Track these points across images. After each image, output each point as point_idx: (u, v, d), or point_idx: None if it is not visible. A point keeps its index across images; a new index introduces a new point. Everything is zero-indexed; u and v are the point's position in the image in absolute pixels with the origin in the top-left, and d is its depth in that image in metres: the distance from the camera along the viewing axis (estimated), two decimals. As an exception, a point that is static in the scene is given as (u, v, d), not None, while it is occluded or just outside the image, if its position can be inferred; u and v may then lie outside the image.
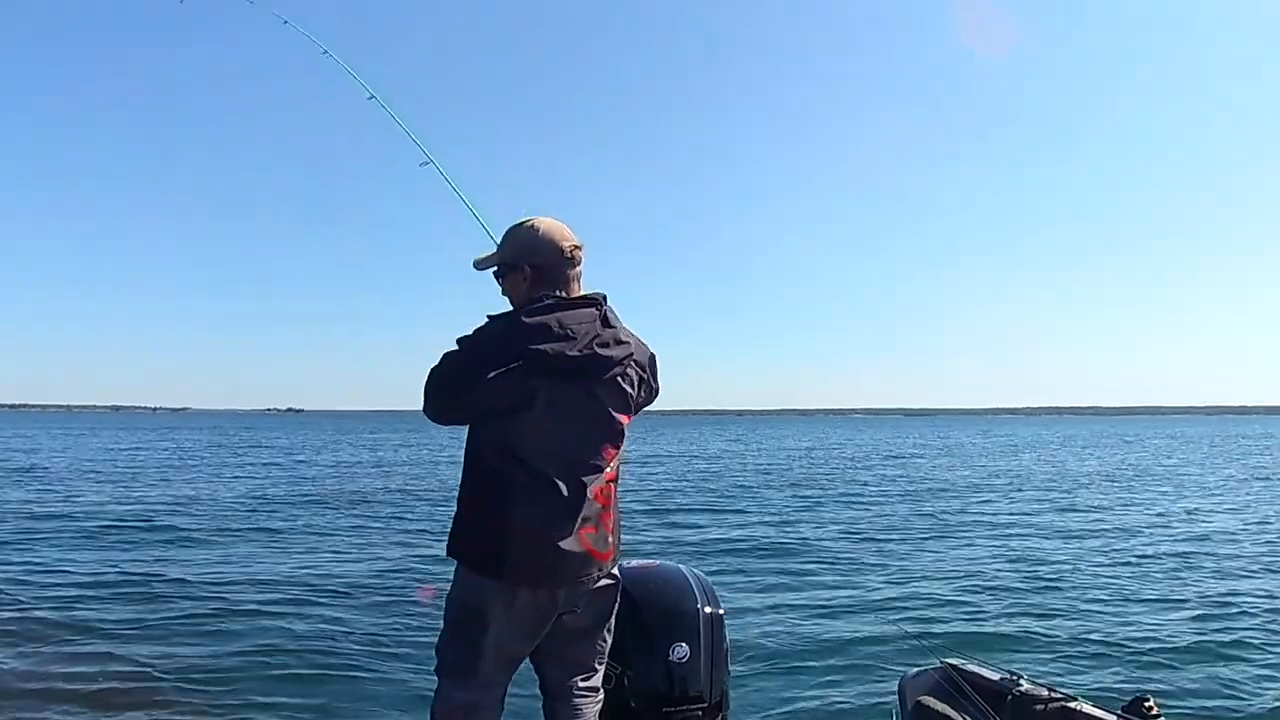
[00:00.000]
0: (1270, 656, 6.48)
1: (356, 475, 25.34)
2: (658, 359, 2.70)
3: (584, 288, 2.56)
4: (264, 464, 30.17)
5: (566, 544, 2.39)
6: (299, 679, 5.78)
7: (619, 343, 2.50)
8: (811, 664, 6.23)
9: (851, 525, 14.25)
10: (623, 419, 2.54)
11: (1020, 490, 21.08)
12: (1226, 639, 6.89)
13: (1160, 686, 5.59)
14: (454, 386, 2.43)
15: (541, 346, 2.36)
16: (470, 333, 2.46)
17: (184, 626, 7.02)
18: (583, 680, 2.64)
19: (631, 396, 2.57)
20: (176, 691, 5.43)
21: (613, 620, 2.66)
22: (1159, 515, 15.63)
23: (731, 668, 3.00)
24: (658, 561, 3.24)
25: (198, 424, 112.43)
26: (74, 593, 8.17)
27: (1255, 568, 10.17)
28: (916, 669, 3.50)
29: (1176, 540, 12.42)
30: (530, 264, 2.52)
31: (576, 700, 2.62)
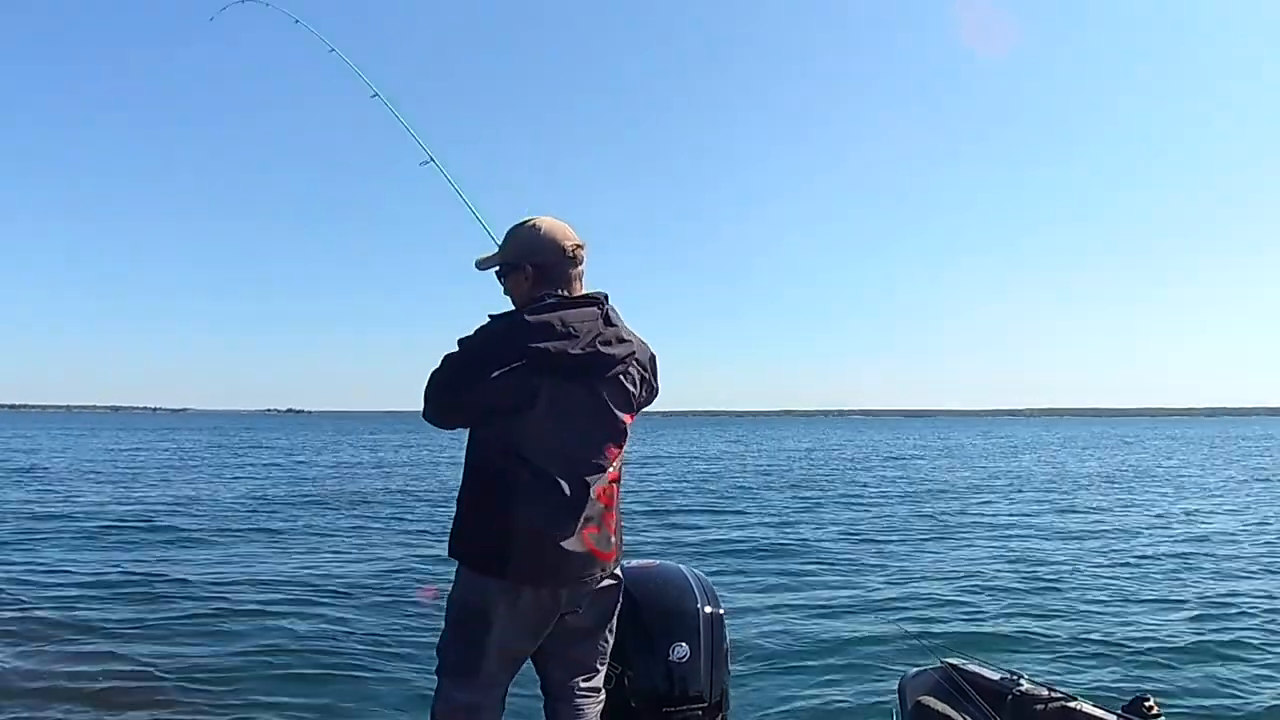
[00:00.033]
0: (1269, 656, 6.48)
1: (357, 476, 25.33)
2: (658, 359, 2.70)
3: (585, 287, 2.56)
4: (264, 465, 30.16)
5: (569, 544, 2.39)
6: (301, 679, 5.78)
7: (621, 341, 2.50)
8: (811, 664, 6.23)
9: (851, 526, 14.24)
10: (625, 418, 2.54)
11: (1020, 491, 21.07)
12: (1226, 639, 6.90)
13: (1160, 686, 5.59)
14: (456, 387, 2.42)
15: (544, 345, 2.36)
16: (471, 333, 2.46)
17: (185, 626, 7.02)
18: (584, 681, 2.64)
19: (633, 395, 2.57)
20: (178, 691, 5.44)
21: (615, 620, 2.66)
22: (1159, 516, 15.63)
23: (731, 667, 3.00)
24: (658, 561, 3.24)
25: (197, 424, 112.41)
26: (75, 593, 8.17)
27: (1255, 568, 10.17)
28: (916, 669, 3.50)
29: (1176, 541, 12.42)
30: (532, 263, 2.52)
31: (578, 701, 2.62)
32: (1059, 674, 5.66)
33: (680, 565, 3.17)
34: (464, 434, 2.53)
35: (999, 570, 10.03)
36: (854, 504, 17.95)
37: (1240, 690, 5.70)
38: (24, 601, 7.76)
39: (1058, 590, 8.90)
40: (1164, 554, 11.19)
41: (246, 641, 6.60)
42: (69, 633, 6.71)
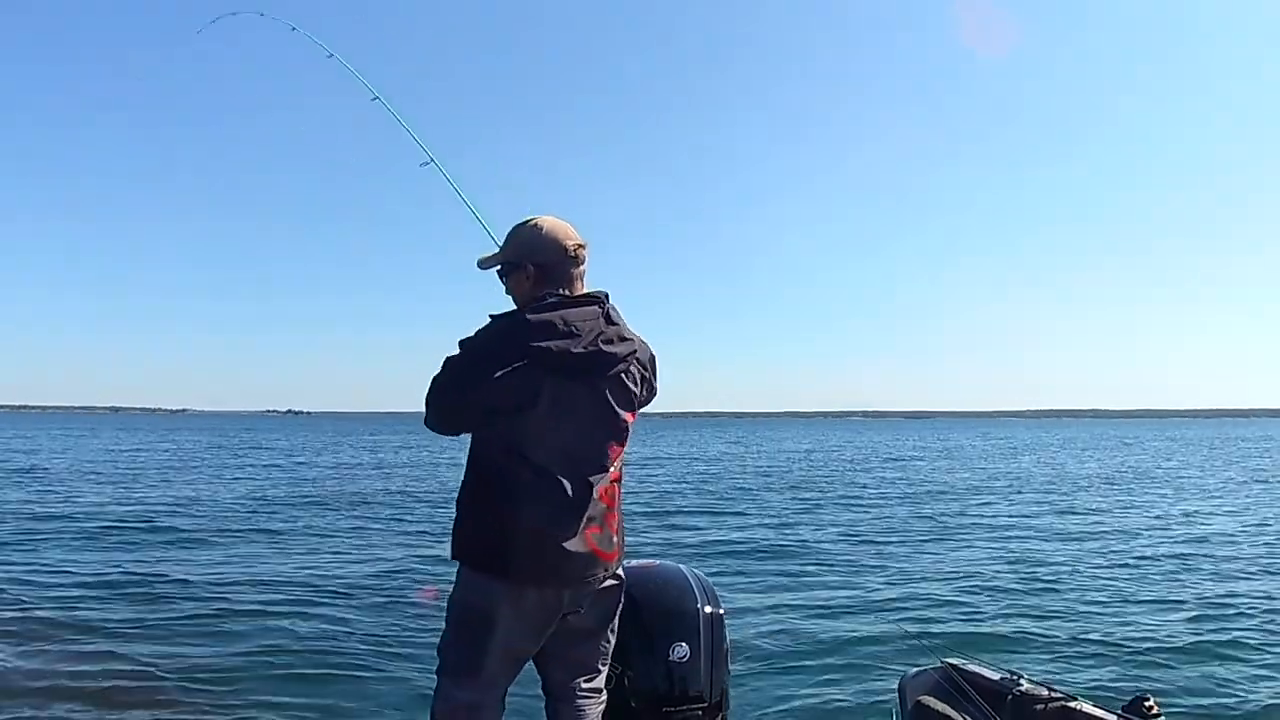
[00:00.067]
0: (1268, 656, 6.50)
1: (357, 477, 25.34)
2: (657, 359, 2.70)
3: (586, 287, 2.56)
4: (264, 466, 30.16)
5: (571, 544, 2.39)
6: (301, 679, 5.79)
7: (623, 340, 2.50)
8: (812, 664, 6.24)
9: (851, 527, 14.26)
10: (627, 417, 2.54)
11: (1020, 493, 21.07)
12: (1225, 639, 6.92)
13: (1160, 686, 5.60)
14: (458, 388, 2.41)
15: (546, 344, 2.35)
16: (472, 334, 2.45)
17: (186, 627, 7.04)
18: (586, 682, 2.63)
19: (635, 395, 2.57)
20: (179, 691, 5.45)
21: (616, 621, 2.66)
22: (1158, 518, 15.65)
23: (731, 667, 2.99)
24: (658, 561, 3.23)
25: (197, 425, 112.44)
26: (76, 593, 8.18)
27: (1254, 569, 10.18)
28: (916, 669, 3.51)
29: (1175, 542, 12.44)
30: (534, 263, 2.51)
31: (579, 701, 2.61)
32: (1059, 674, 5.67)
33: (680, 565, 3.16)
34: (465, 436, 2.52)
35: (999, 571, 10.04)
36: (854, 505, 17.96)
37: (1239, 690, 5.72)
38: (25, 602, 7.77)
39: (1057, 591, 8.91)
40: (1163, 555, 11.21)
41: (247, 642, 6.61)
42: (70, 633, 6.72)
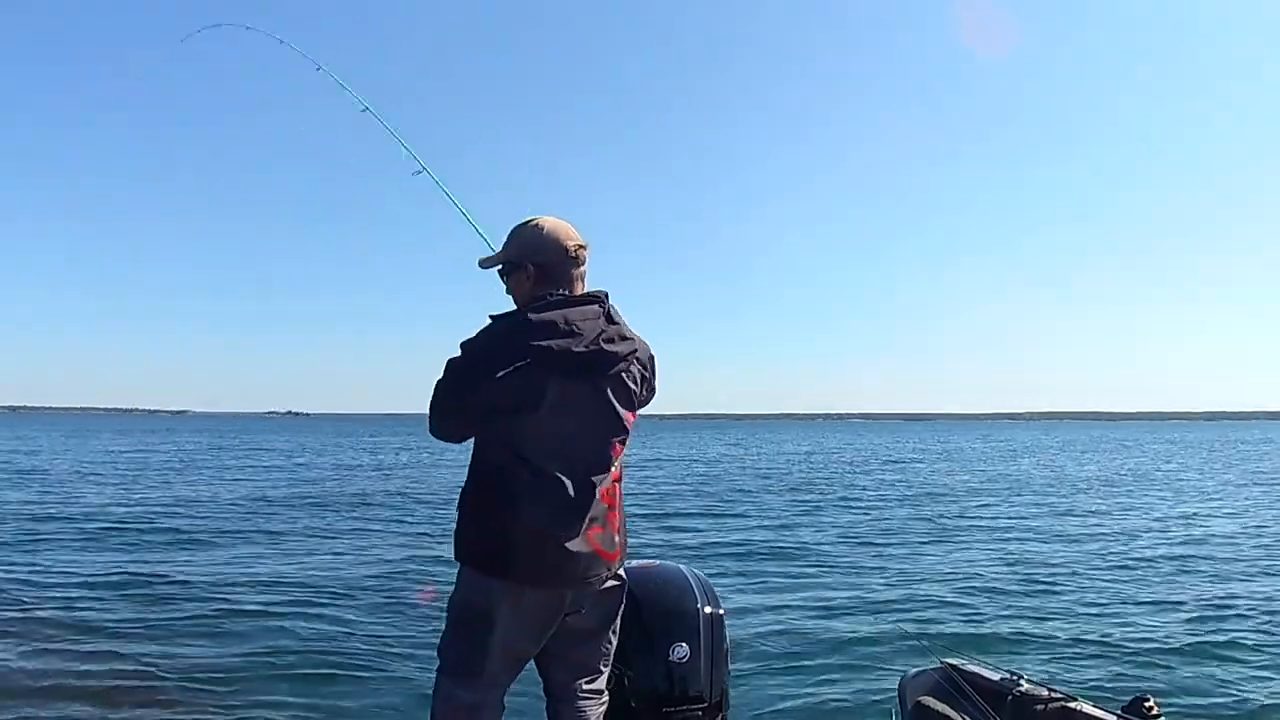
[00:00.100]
0: (1267, 657, 6.51)
1: (357, 478, 25.34)
2: (656, 360, 2.70)
3: (586, 287, 2.56)
4: (264, 467, 30.17)
5: (574, 544, 2.38)
6: (302, 679, 5.80)
7: (623, 339, 2.50)
8: (812, 664, 6.25)
9: (851, 528, 14.27)
10: (628, 416, 2.54)
11: (1019, 495, 21.08)
12: (1224, 640, 6.93)
13: (1160, 686, 5.61)
14: (460, 390, 2.41)
15: (548, 343, 2.35)
16: (474, 335, 2.45)
17: (187, 627, 7.04)
18: (587, 683, 2.62)
19: (635, 394, 2.57)
20: (181, 691, 5.46)
21: (618, 622, 2.65)
22: (1157, 519, 15.65)
23: (731, 668, 2.99)
24: (658, 561, 3.23)
25: (197, 426, 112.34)
26: (77, 593, 8.18)
27: (1253, 571, 10.20)
28: (916, 669, 3.51)
29: (1174, 544, 12.45)
30: (534, 263, 2.51)
31: (580, 702, 2.61)
32: (1059, 674, 5.68)
33: (680, 565, 3.17)
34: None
35: (998, 572, 10.05)
36: (853, 507, 17.97)
37: (1239, 690, 5.73)
38: (26, 602, 7.78)
39: (1057, 592, 8.93)
40: (1162, 556, 11.21)
41: (248, 642, 6.62)
42: (71, 633, 6.74)
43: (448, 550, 2.53)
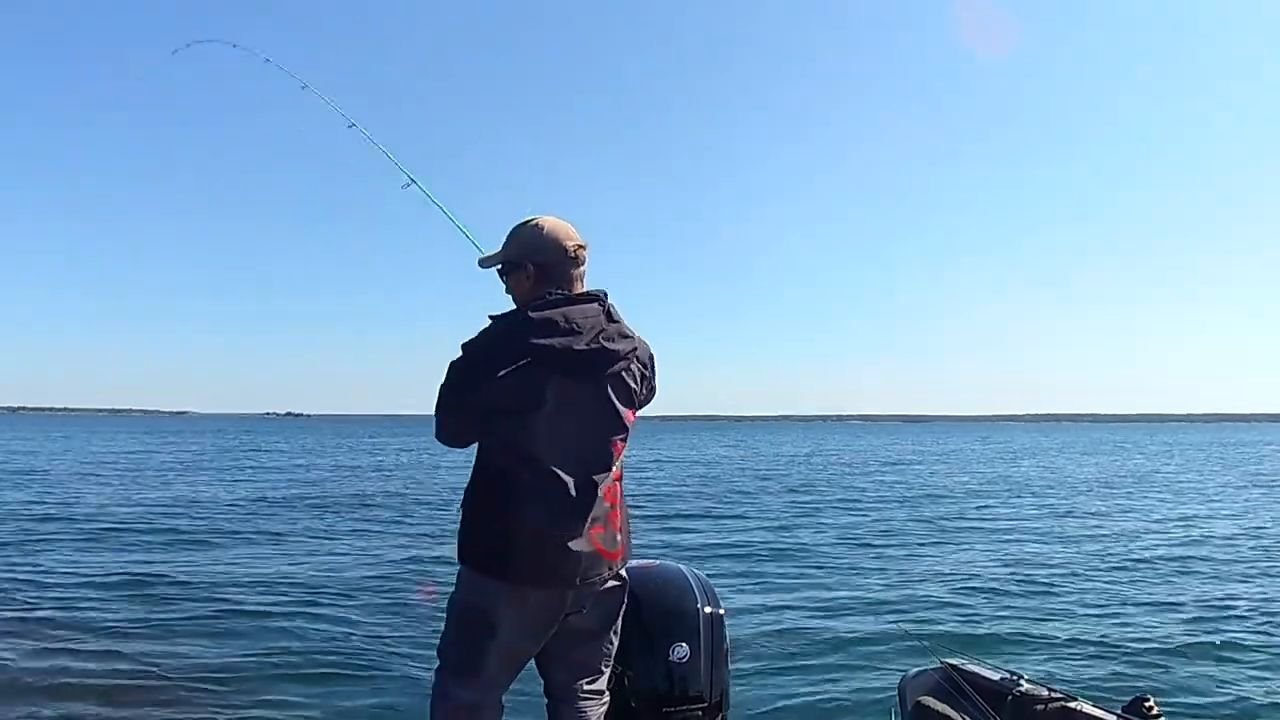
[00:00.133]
0: (1266, 657, 6.53)
1: (357, 479, 25.34)
2: (655, 359, 2.69)
3: (585, 288, 2.55)
4: (264, 468, 30.17)
5: (576, 544, 2.38)
6: (303, 678, 5.80)
7: (624, 337, 2.50)
8: (812, 664, 6.25)
9: (851, 529, 14.28)
10: (629, 414, 2.53)
11: (1019, 496, 21.10)
12: (1224, 640, 6.94)
13: (1160, 686, 5.61)
14: (462, 390, 2.41)
15: (549, 341, 2.35)
16: (474, 336, 2.45)
17: (187, 627, 7.05)
18: (588, 683, 2.62)
19: (636, 392, 2.56)
20: (181, 690, 5.46)
21: (619, 622, 2.64)
22: (1157, 521, 15.67)
23: (731, 667, 2.98)
24: (658, 561, 3.22)
25: (197, 427, 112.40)
26: (78, 593, 8.19)
27: (1252, 572, 10.22)
28: (916, 669, 3.51)
29: (1174, 545, 12.46)
30: (534, 262, 2.51)
31: (581, 703, 2.60)
32: (1059, 674, 5.68)
33: (680, 565, 3.16)
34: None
35: (998, 572, 10.05)
36: (853, 508, 17.98)
37: (1238, 690, 5.73)
38: (27, 602, 7.79)
39: (1057, 592, 8.94)
40: (1162, 557, 11.23)
41: (248, 641, 6.63)
42: (72, 633, 6.74)
43: (448, 550, 2.52)
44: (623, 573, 2.59)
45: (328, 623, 7.25)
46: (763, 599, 8.44)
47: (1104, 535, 13.57)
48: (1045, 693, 3.11)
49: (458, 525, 2.52)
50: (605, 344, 2.43)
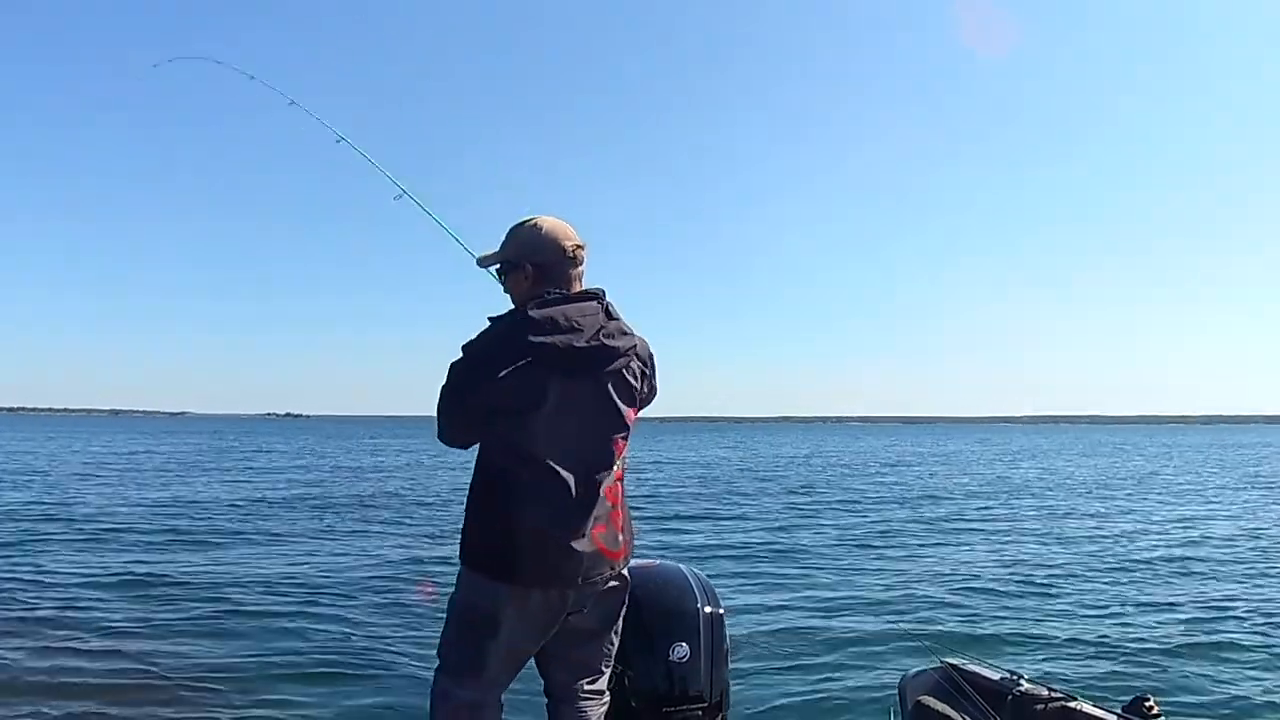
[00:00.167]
0: (1265, 657, 6.53)
1: (357, 480, 25.32)
2: (655, 358, 2.69)
3: (583, 287, 2.55)
4: (264, 468, 30.14)
5: (579, 544, 2.38)
6: (303, 678, 5.79)
7: (623, 334, 2.50)
8: (812, 663, 6.25)
9: (850, 530, 14.28)
10: (630, 412, 2.53)
11: (1018, 497, 21.09)
12: (1223, 640, 6.95)
13: (1160, 686, 5.61)
14: (463, 391, 2.41)
15: (550, 339, 2.35)
16: (474, 337, 2.45)
17: (188, 627, 7.05)
18: (588, 683, 2.62)
19: (637, 390, 2.56)
20: (181, 690, 5.46)
21: (620, 622, 2.64)
22: (1156, 522, 15.67)
23: (731, 667, 2.99)
24: (658, 561, 3.22)
25: (196, 428, 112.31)
26: (79, 594, 8.18)
27: (1252, 573, 10.22)
28: (916, 669, 3.51)
29: (1173, 546, 12.45)
30: (532, 262, 2.51)
31: (581, 703, 2.60)
32: (1059, 674, 5.67)
33: (680, 565, 3.16)
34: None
35: (998, 573, 10.05)
36: (853, 509, 17.98)
37: (1238, 690, 5.74)
38: (27, 602, 7.79)
39: (1056, 592, 8.94)
40: (1161, 558, 11.23)
41: (249, 641, 6.63)
42: (73, 632, 6.73)
43: (447, 551, 2.53)
44: (624, 572, 2.59)
45: (328, 623, 7.25)
46: (762, 599, 8.44)
47: (1103, 536, 13.57)
48: (1045, 693, 3.11)
49: (461, 526, 2.52)
50: (606, 341, 2.43)
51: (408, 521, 14.95)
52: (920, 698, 3.23)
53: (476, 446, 2.50)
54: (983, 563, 10.88)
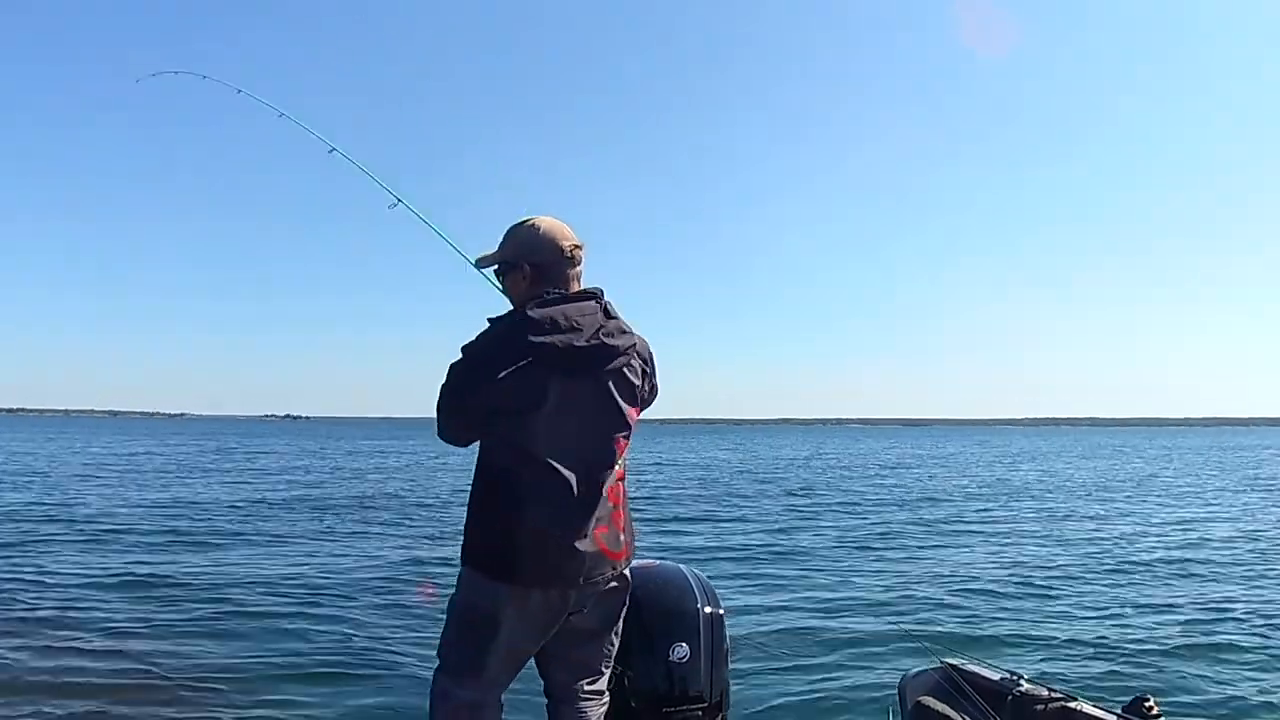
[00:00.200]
0: (1265, 657, 6.54)
1: (357, 481, 25.32)
2: (655, 357, 2.69)
3: (581, 287, 2.55)
4: (264, 469, 30.13)
5: (581, 544, 2.38)
6: (303, 678, 5.80)
7: (623, 333, 2.50)
8: (811, 664, 6.25)
9: (851, 531, 14.28)
10: (631, 411, 2.53)
11: (1018, 499, 21.08)
12: (1223, 641, 6.96)
13: (1160, 686, 5.61)
14: (463, 392, 2.41)
15: (550, 339, 2.35)
16: (474, 338, 2.45)
17: (188, 627, 7.05)
18: (589, 684, 2.62)
19: (637, 389, 2.56)
20: (183, 690, 5.46)
21: (620, 623, 2.64)
22: (1156, 523, 15.66)
23: (731, 667, 2.99)
24: (658, 561, 3.21)
25: (196, 429, 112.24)
26: (80, 594, 8.18)
27: (1251, 574, 10.23)
28: (916, 669, 3.51)
29: (1172, 548, 12.45)
30: (530, 263, 2.51)
31: (581, 703, 2.60)
32: (1059, 674, 5.67)
33: (680, 565, 3.16)
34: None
35: (998, 574, 10.05)
36: (853, 510, 17.98)
37: (1238, 690, 5.74)
38: (29, 603, 7.78)
39: (1056, 593, 8.94)
40: (1161, 560, 11.24)
41: (249, 641, 6.63)
42: (75, 633, 6.73)
43: (447, 551, 2.54)
44: (625, 573, 2.59)
45: (328, 623, 7.25)
46: (762, 600, 8.44)
47: (1103, 538, 13.56)
48: (1045, 693, 3.12)
49: (462, 526, 2.52)
50: (605, 340, 2.43)
51: (408, 523, 14.94)
52: (920, 698, 3.24)
53: (478, 448, 2.50)
54: (982, 564, 10.87)
